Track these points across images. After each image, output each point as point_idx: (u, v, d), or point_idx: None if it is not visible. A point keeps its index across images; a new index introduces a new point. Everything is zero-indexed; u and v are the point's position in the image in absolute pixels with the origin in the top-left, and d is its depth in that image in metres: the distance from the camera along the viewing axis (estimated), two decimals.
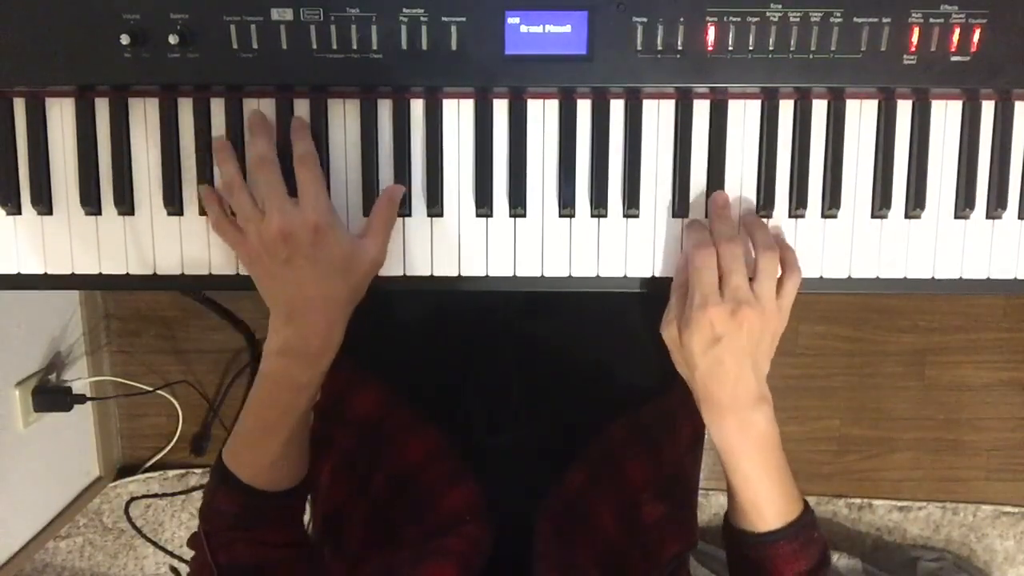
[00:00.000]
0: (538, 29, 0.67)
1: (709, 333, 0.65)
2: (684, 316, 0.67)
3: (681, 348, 0.68)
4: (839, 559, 1.61)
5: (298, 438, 0.70)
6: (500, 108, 0.71)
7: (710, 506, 1.69)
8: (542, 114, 0.71)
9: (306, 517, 0.77)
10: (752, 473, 0.68)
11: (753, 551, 0.69)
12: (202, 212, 0.71)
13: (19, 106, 0.71)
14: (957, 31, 0.68)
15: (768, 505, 0.68)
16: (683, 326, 0.67)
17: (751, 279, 0.67)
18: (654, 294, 0.73)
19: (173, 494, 1.66)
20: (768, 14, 0.67)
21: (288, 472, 0.70)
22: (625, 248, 0.73)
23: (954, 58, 0.69)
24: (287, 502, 0.70)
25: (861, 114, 0.72)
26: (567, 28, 0.67)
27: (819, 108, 0.72)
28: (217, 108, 0.70)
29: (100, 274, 0.73)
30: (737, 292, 0.65)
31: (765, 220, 0.72)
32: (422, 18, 0.67)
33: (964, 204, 0.72)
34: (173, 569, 1.66)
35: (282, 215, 0.64)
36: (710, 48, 0.68)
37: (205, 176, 0.71)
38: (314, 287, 0.65)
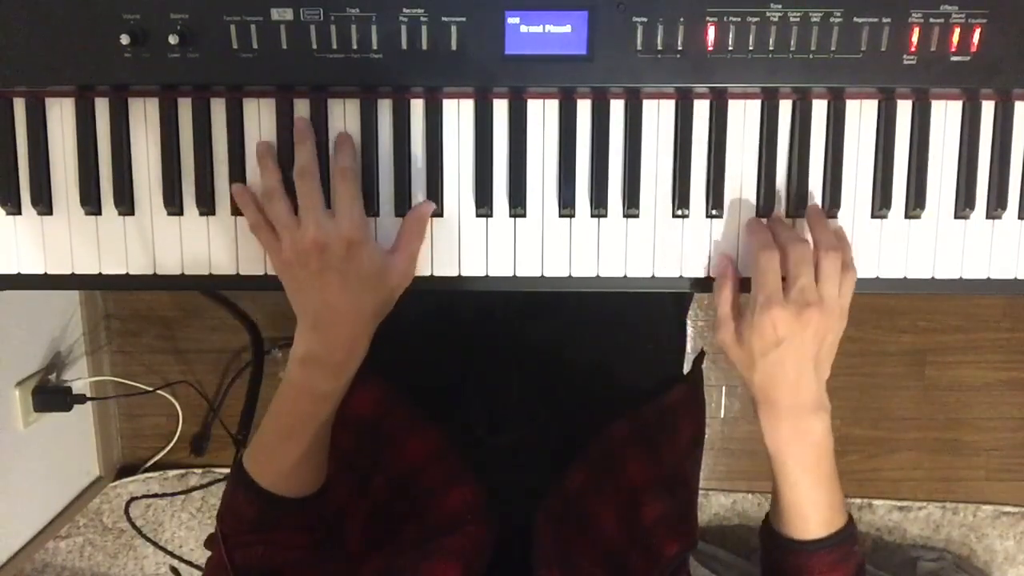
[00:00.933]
0: (538, 29, 0.67)
1: (772, 335, 0.65)
2: (745, 317, 0.67)
3: (739, 349, 0.67)
4: None
5: (318, 447, 0.70)
6: (500, 108, 0.71)
7: (710, 506, 1.69)
8: (542, 114, 0.71)
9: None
10: (802, 480, 0.67)
11: (792, 558, 0.69)
12: (202, 213, 0.72)
13: (19, 106, 0.71)
14: (957, 31, 0.68)
15: (813, 513, 0.68)
16: (743, 327, 0.67)
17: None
18: (654, 294, 0.73)
19: (173, 494, 1.66)
20: (768, 14, 0.67)
21: (307, 480, 0.71)
22: (625, 248, 0.72)
23: (954, 58, 0.69)
24: (305, 508, 0.71)
25: (861, 114, 0.72)
26: (567, 28, 0.67)
27: (819, 108, 0.72)
28: (217, 108, 0.70)
29: (100, 274, 0.73)
30: (804, 294, 0.64)
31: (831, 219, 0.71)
32: (422, 18, 0.67)
33: (964, 204, 0.72)
34: (173, 569, 1.66)
35: (318, 227, 0.65)
36: (710, 48, 0.68)
37: (204, 177, 0.71)
38: (342, 299, 0.66)
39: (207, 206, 0.71)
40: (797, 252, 0.65)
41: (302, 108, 0.70)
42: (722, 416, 1.69)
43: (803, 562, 0.68)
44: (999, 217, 0.73)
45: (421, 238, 0.70)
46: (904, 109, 0.72)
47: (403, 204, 0.71)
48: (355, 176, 0.68)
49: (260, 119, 0.71)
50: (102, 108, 0.70)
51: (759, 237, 0.68)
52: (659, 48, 0.68)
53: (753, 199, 0.72)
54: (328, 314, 0.66)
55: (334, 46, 0.67)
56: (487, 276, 0.73)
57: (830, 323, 0.66)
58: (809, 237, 0.68)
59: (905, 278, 0.73)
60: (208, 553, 0.71)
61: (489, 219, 0.72)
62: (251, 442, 0.70)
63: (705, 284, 0.73)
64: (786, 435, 0.67)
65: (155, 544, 1.67)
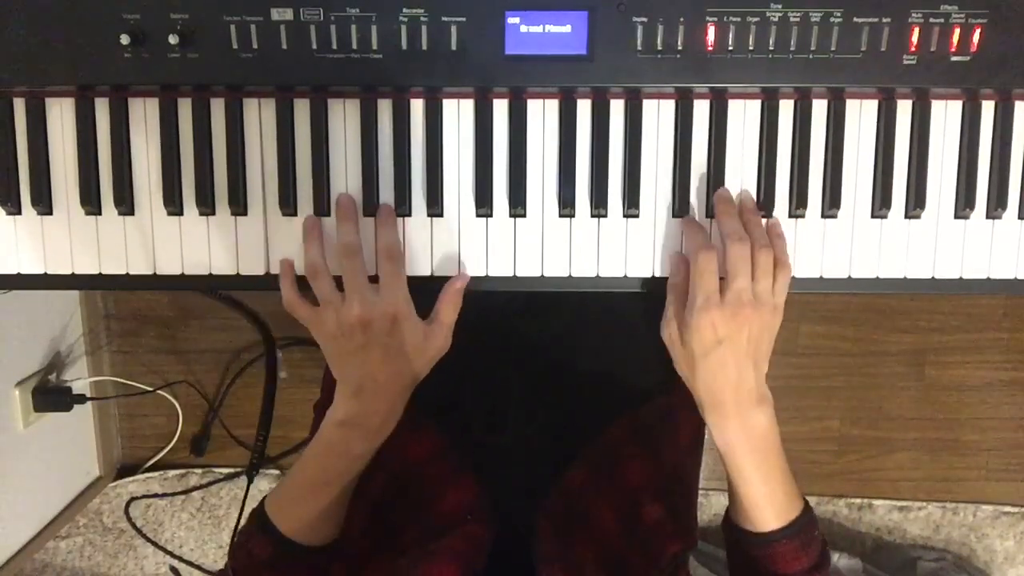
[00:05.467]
0: (538, 29, 0.67)
1: (711, 335, 0.66)
2: (685, 318, 0.67)
3: (682, 349, 0.69)
4: (839, 559, 1.61)
5: (341, 502, 0.72)
6: (500, 108, 0.71)
7: (710, 506, 1.69)
8: (542, 114, 0.71)
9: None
10: (753, 473, 0.68)
11: (753, 550, 0.70)
12: (202, 213, 0.72)
13: (19, 106, 0.71)
14: (957, 31, 0.68)
15: (769, 505, 0.68)
16: (684, 328, 0.68)
17: None
18: (654, 294, 0.73)
19: (173, 494, 1.66)
20: (768, 14, 0.67)
21: (325, 531, 0.72)
22: (625, 248, 0.72)
23: (954, 58, 0.69)
24: (318, 556, 0.71)
25: (861, 114, 0.72)
26: (567, 28, 0.67)
27: (819, 108, 0.72)
28: (217, 108, 0.70)
29: (100, 274, 0.72)
30: (740, 294, 0.66)
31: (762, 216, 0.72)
32: (422, 18, 0.67)
33: (964, 204, 0.72)
34: (173, 569, 1.66)
35: (363, 304, 0.66)
36: (710, 48, 0.68)
37: (204, 177, 0.71)
38: (385, 371, 0.68)
39: (207, 206, 0.71)
40: (734, 251, 0.67)
41: (302, 108, 0.71)
42: None
43: (764, 553, 0.69)
44: (999, 217, 0.73)
45: (457, 309, 0.71)
46: (904, 109, 0.72)
47: (403, 204, 0.71)
48: (400, 255, 0.70)
49: (260, 119, 0.71)
50: (102, 108, 0.70)
51: (696, 238, 0.69)
52: (659, 48, 0.68)
53: (753, 199, 0.72)
54: (370, 384, 0.68)
55: (334, 46, 0.67)
56: (487, 276, 0.73)
57: (765, 321, 0.67)
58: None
59: (905, 278, 0.73)
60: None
61: (489, 219, 0.72)
62: (276, 489, 0.72)
63: None
64: (733, 432, 0.68)
65: (155, 544, 1.67)
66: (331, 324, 0.68)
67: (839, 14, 0.67)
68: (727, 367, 0.66)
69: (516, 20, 0.67)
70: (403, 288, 0.69)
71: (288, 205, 0.71)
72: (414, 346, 0.69)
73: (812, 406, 1.68)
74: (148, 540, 1.66)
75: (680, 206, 0.72)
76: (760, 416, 0.68)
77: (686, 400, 0.90)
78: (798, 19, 0.67)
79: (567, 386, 0.85)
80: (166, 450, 1.66)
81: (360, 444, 0.70)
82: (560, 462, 0.78)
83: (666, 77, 0.69)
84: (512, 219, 0.72)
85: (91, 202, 0.71)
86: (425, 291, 0.72)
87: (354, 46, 0.67)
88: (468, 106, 0.71)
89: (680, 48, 0.68)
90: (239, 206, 0.71)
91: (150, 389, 1.61)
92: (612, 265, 0.73)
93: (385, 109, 0.71)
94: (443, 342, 0.71)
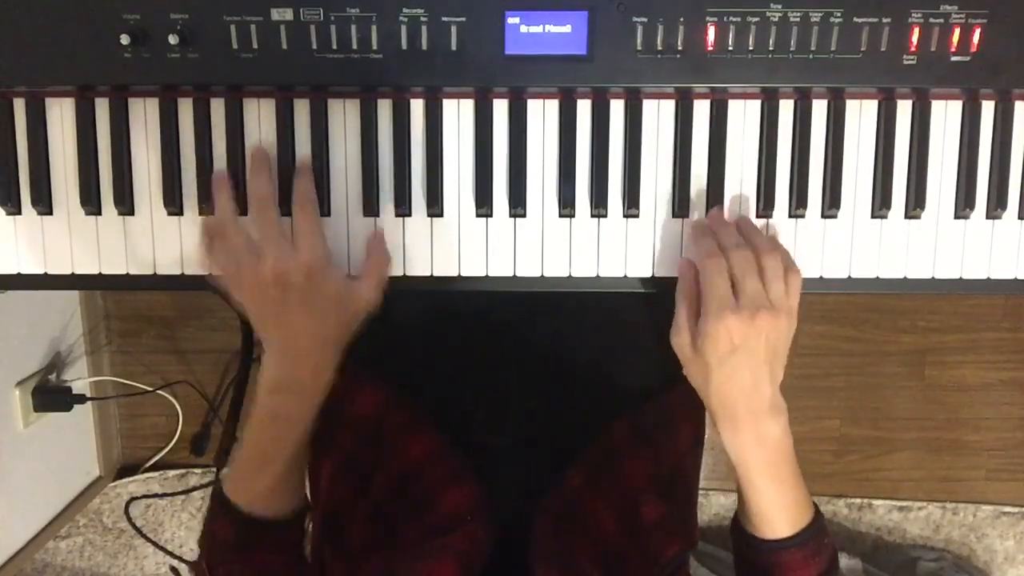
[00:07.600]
0: (538, 29, 0.67)
1: (727, 343, 0.64)
2: (699, 326, 0.66)
3: (695, 358, 0.67)
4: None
5: (294, 468, 0.71)
6: (500, 108, 0.71)
7: (710, 506, 1.69)
8: (542, 114, 0.71)
9: (306, 520, 0.77)
10: (767, 484, 0.67)
11: (763, 557, 0.69)
12: (202, 213, 0.71)
13: (19, 106, 0.71)
14: (957, 31, 0.68)
15: (780, 514, 0.68)
16: (697, 336, 0.66)
17: None
18: (654, 294, 0.73)
19: (173, 494, 1.67)
20: (768, 14, 0.67)
21: (285, 501, 0.71)
22: (625, 248, 0.73)
23: (954, 58, 0.69)
24: (283, 530, 0.71)
25: (861, 114, 0.72)
26: (567, 28, 0.67)
27: (819, 108, 0.72)
28: (217, 108, 0.70)
29: (100, 274, 0.73)
30: (755, 298, 0.64)
31: (763, 222, 0.72)
32: (422, 18, 0.67)
33: (964, 204, 0.72)
34: (173, 569, 1.66)
35: (277, 256, 0.65)
36: (710, 48, 0.68)
37: (205, 176, 0.71)
38: (305, 326, 0.66)
39: (207, 206, 0.71)
40: (740, 257, 0.65)
41: (302, 108, 0.70)
42: None
43: (774, 560, 0.69)
44: (999, 217, 0.73)
45: (385, 264, 0.70)
46: (904, 109, 0.72)
47: (403, 204, 0.71)
48: (313, 203, 0.68)
49: (260, 119, 0.71)
50: (102, 108, 0.70)
51: (703, 244, 0.68)
52: (659, 48, 0.68)
53: (753, 199, 0.72)
54: (293, 342, 0.67)
55: (334, 46, 0.67)
56: (487, 276, 0.73)
57: (781, 325, 0.66)
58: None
59: (905, 278, 0.73)
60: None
61: (489, 219, 0.72)
62: (229, 467, 0.72)
63: None
64: (747, 443, 0.67)
65: (155, 544, 1.67)
66: (248, 280, 0.66)
67: (839, 14, 0.67)
68: (743, 375, 0.65)
69: (516, 20, 0.67)
70: (318, 238, 0.67)
71: (288, 205, 0.71)
72: (336, 299, 0.67)
73: (812, 406, 1.68)
74: (148, 540, 1.66)
75: (680, 206, 0.72)
76: (774, 427, 0.67)
77: (686, 400, 0.90)
78: (798, 19, 0.67)
79: (567, 386, 0.85)
80: (166, 450, 1.66)
81: (295, 407, 0.68)
82: (560, 462, 0.78)
83: (666, 77, 0.69)
84: (512, 219, 0.72)
85: (91, 202, 0.71)
86: (425, 291, 0.73)
87: (354, 46, 0.67)
88: (468, 106, 0.71)
89: (680, 48, 0.68)
90: (239, 206, 0.71)
91: (150, 389, 1.61)
92: (612, 265, 0.73)
93: (385, 109, 0.71)
94: (369, 295, 0.69)
